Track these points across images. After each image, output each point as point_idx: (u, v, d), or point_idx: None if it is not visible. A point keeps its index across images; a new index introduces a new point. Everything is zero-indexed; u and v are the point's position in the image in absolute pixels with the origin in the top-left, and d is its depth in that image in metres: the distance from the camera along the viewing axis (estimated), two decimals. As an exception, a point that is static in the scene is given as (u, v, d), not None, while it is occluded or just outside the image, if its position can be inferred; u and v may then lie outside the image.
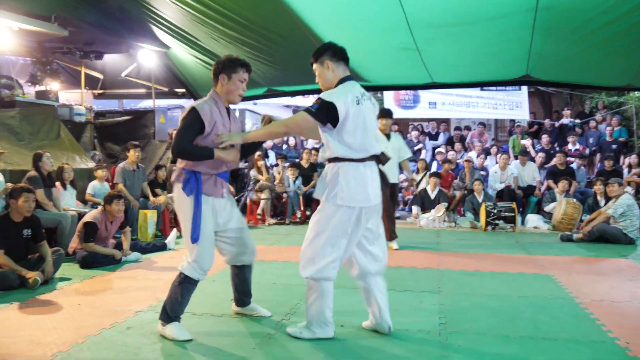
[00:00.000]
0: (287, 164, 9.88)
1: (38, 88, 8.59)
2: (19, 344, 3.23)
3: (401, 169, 7.09)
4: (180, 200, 3.42)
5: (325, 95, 3.16)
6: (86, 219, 5.70)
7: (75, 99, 9.57)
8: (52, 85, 8.75)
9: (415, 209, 9.34)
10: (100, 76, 10.19)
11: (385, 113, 6.69)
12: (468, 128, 13.44)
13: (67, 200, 6.55)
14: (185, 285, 3.40)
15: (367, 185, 3.23)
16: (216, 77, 3.45)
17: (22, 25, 6.69)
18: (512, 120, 14.04)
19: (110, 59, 9.58)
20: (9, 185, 5.56)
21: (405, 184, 10.83)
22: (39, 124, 7.48)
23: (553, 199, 9.08)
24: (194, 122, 3.29)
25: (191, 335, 3.37)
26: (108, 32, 7.87)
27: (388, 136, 6.69)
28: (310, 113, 3.13)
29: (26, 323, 3.68)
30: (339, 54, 3.31)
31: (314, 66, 3.36)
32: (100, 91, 10.56)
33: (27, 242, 4.88)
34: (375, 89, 11.32)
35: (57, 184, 6.44)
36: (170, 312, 3.40)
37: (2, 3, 6.47)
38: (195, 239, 3.35)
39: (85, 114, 8.68)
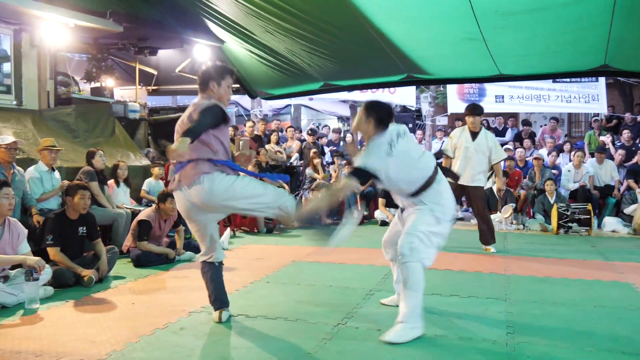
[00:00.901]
0: (343, 162, 9.69)
1: (93, 85, 8.76)
2: (75, 342, 3.29)
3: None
4: (222, 189, 3.36)
5: (358, 162, 3.58)
6: (140, 217, 5.73)
7: (130, 96, 9.71)
8: (107, 81, 8.91)
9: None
10: (155, 72, 10.32)
11: (472, 109, 6.39)
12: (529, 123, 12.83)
13: (120, 197, 6.63)
14: None
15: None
16: (205, 84, 3.57)
17: (78, 22, 6.79)
18: (588, 115, 13.34)
19: (164, 55, 9.68)
20: (65, 182, 5.67)
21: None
22: (94, 121, 7.61)
23: (634, 201, 8.61)
24: (219, 113, 3.39)
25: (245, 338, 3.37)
26: (162, 28, 7.92)
27: (475, 134, 6.37)
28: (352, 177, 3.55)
29: (81, 321, 3.74)
30: (385, 123, 3.60)
31: (362, 112, 3.66)
32: (154, 87, 10.69)
33: (82, 240, 4.95)
34: (437, 82, 11.02)
35: (111, 181, 6.52)
36: None
37: (59, 0, 6.59)
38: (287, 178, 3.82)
39: (140, 110, 8.78)
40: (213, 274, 3.73)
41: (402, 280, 3.48)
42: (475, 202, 6.54)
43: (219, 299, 3.72)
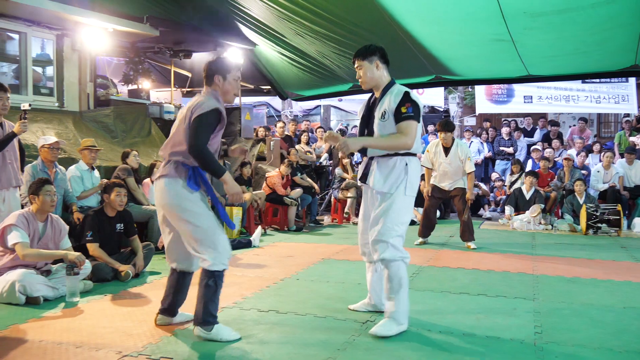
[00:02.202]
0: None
1: (131, 87, 8.97)
2: (113, 334, 3.36)
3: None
4: (180, 195, 3.24)
5: (412, 96, 3.40)
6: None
7: (165, 97, 9.93)
8: (144, 84, 9.11)
9: (508, 209, 8.90)
10: (189, 74, 10.51)
11: (443, 126, 6.57)
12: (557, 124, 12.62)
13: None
14: (219, 282, 3.30)
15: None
16: (210, 78, 3.37)
17: (117, 27, 7.01)
18: (618, 115, 13.08)
19: (198, 58, 9.84)
20: (104, 181, 5.83)
21: (498, 183, 10.37)
22: (132, 122, 7.81)
23: (664, 202, 8.38)
24: (214, 123, 3.23)
25: (275, 333, 3.37)
26: (196, 31, 8.09)
27: (447, 150, 6.52)
28: (414, 118, 3.36)
29: (119, 314, 3.82)
30: (386, 57, 3.54)
31: (360, 63, 3.51)
32: (188, 89, 10.89)
33: (119, 236, 5.06)
34: (466, 83, 10.94)
35: (147, 180, 6.66)
36: (213, 312, 3.29)
37: (98, 5, 6.82)
38: (233, 226, 3.53)
39: (174, 111, 8.96)
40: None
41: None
42: (456, 201, 6.77)
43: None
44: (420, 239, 6.87)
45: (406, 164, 3.45)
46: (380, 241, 3.41)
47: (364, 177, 3.61)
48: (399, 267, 3.40)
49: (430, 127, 13.51)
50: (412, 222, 8.80)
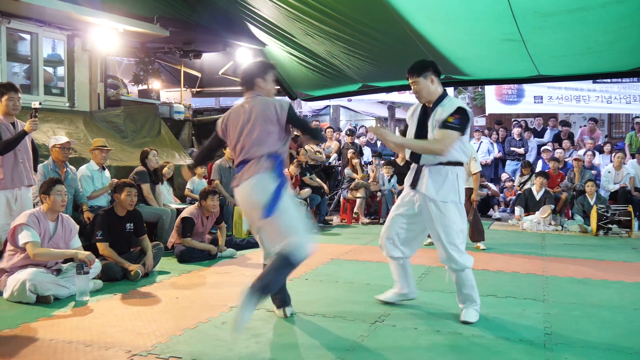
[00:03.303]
0: (382, 162, 9.69)
1: (141, 87, 9.01)
2: (122, 333, 3.38)
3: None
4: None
5: (463, 108, 3.54)
6: (184, 214, 5.88)
7: (175, 97, 9.98)
8: (154, 84, 9.15)
9: (518, 210, 8.85)
10: (199, 75, 10.55)
11: None
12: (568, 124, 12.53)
13: (164, 196, 6.79)
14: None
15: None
16: (251, 82, 3.58)
17: (127, 27, 7.05)
18: (629, 115, 12.97)
19: (208, 58, 9.89)
20: (115, 180, 5.85)
21: (508, 184, 10.31)
22: (142, 122, 7.85)
23: (675, 202, 8.30)
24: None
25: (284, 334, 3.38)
26: (206, 32, 8.11)
27: None
28: (457, 129, 3.51)
29: (128, 313, 3.84)
30: (438, 70, 3.70)
31: (415, 80, 3.64)
32: (198, 89, 10.94)
33: (129, 236, 5.09)
34: (476, 83, 10.89)
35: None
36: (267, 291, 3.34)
37: (108, 6, 6.85)
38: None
39: (184, 111, 9.01)
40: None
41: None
42: (465, 202, 6.62)
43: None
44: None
45: (457, 174, 3.64)
46: (450, 256, 3.60)
47: (414, 184, 3.73)
48: (468, 274, 3.66)
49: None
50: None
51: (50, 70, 7.31)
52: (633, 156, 9.73)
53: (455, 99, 3.68)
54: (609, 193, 9.07)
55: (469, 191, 6.58)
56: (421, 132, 3.70)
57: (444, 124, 3.51)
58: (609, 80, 11.56)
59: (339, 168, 10.54)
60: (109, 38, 7.28)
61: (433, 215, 3.62)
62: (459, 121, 3.49)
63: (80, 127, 6.94)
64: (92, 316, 3.77)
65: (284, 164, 3.49)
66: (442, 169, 3.62)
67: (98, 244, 4.81)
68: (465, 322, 3.61)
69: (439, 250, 3.66)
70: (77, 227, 4.65)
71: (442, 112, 3.57)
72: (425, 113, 3.73)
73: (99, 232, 4.83)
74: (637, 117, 12.38)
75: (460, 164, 3.65)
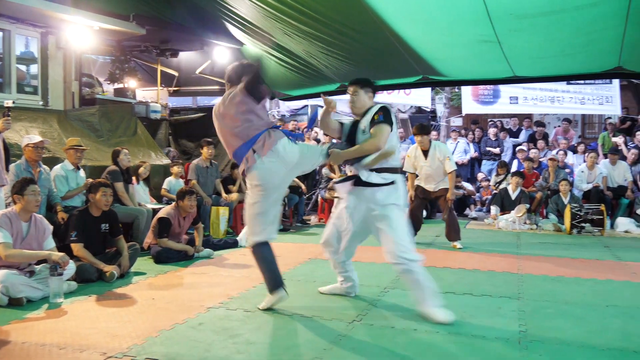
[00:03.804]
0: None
1: (116, 86, 8.88)
2: (97, 335, 3.34)
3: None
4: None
5: (384, 105, 3.89)
6: (160, 214, 5.83)
7: (152, 97, 9.85)
8: (130, 83, 9.02)
9: (493, 209, 8.96)
10: (176, 73, 10.44)
11: (419, 129, 6.67)
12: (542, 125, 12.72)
13: (140, 195, 6.73)
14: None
15: None
16: (238, 80, 3.89)
17: (103, 25, 6.94)
18: (602, 116, 13.21)
19: (185, 57, 9.80)
20: (90, 180, 5.76)
21: (484, 183, 10.43)
22: (117, 121, 7.74)
23: (647, 201, 8.47)
24: None
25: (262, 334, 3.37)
26: (183, 30, 8.03)
27: (426, 152, 6.59)
28: (386, 122, 3.80)
29: (103, 315, 3.80)
30: (375, 91, 4.10)
31: (357, 90, 3.96)
32: (175, 88, 10.82)
33: (104, 236, 5.03)
34: (452, 83, 10.98)
35: (132, 179, 6.63)
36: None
37: (83, 3, 6.75)
38: None
39: (161, 111, 8.90)
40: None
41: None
42: (441, 201, 6.83)
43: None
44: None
45: (396, 179, 3.89)
46: (399, 257, 3.72)
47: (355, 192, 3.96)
48: (420, 270, 3.75)
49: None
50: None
51: (23, 68, 7.17)
52: (606, 156, 9.90)
53: (377, 104, 3.96)
54: (582, 192, 9.22)
55: (445, 191, 6.67)
56: (352, 141, 4.00)
57: (373, 122, 3.82)
58: (582, 81, 11.76)
59: (317, 168, 10.53)
60: (84, 36, 7.17)
61: (378, 218, 3.82)
62: (384, 116, 3.80)
63: (54, 126, 6.83)
64: (66, 318, 3.73)
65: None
66: (380, 176, 3.86)
67: (72, 245, 4.75)
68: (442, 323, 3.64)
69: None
70: (51, 227, 4.59)
71: (366, 119, 3.89)
72: (355, 125, 4.02)
73: (73, 233, 4.76)
74: (610, 118, 12.63)
75: (397, 170, 3.93)
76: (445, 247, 6.70)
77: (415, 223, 6.80)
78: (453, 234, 6.67)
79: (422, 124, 6.97)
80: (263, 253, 3.86)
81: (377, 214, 3.82)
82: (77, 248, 4.74)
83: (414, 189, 6.86)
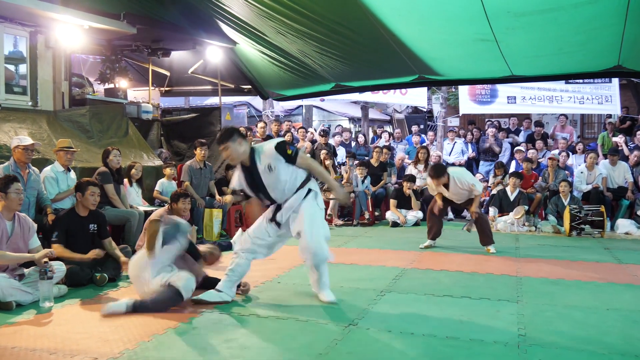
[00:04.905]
0: (355, 163, 9.63)
1: (107, 86, 8.79)
2: (88, 340, 3.32)
3: None
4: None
5: (280, 142, 4.03)
6: (152, 217, 5.71)
7: (143, 97, 9.76)
8: (121, 83, 8.92)
9: (492, 211, 8.88)
10: (167, 73, 10.37)
11: (433, 174, 6.45)
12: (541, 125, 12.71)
13: (132, 197, 6.64)
14: None
15: None
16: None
17: (93, 24, 6.84)
18: (601, 116, 13.18)
19: (177, 56, 9.72)
20: (80, 182, 5.69)
21: (482, 184, 10.36)
22: (108, 122, 7.63)
23: (647, 202, 8.42)
24: None
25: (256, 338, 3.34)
26: (175, 29, 7.95)
27: (447, 185, 6.48)
28: (298, 150, 4.12)
29: (94, 319, 3.78)
30: (243, 134, 4.11)
31: (226, 145, 3.96)
32: (167, 88, 10.74)
33: (93, 237, 4.95)
34: (449, 83, 10.94)
35: (125, 180, 6.54)
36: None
37: (73, 2, 6.66)
38: None
39: (153, 111, 8.81)
40: None
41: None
42: (469, 208, 6.67)
43: None
44: (426, 243, 6.80)
45: (309, 190, 4.13)
46: (310, 247, 4.02)
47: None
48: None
49: (414, 128, 13.51)
50: (395, 224, 8.79)
51: (11, 67, 7.06)
52: (605, 156, 9.84)
53: (262, 144, 4.13)
54: (582, 193, 9.16)
55: (471, 200, 6.54)
56: (259, 187, 4.08)
57: (290, 158, 3.97)
58: (581, 80, 11.73)
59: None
60: (74, 35, 7.07)
61: (298, 215, 4.06)
62: (292, 147, 4.04)
63: (43, 127, 6.73)
64: (57, 322, 3.72)
65: None
66: (295, 196, 4.09)
67: (53, 246, 4.64)
68: (332, 302, 4.09)
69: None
70: (35, 225, 4.53)
71: (264, 158, 3.98)
72: (249, 172, 4.06)
73: (55, 233, 4.71)
74: (609, 117, 12.59)
75: (307, 180, 4.13)
76: (443, 250, 6.64)
77: (437, 225, 6.74)
78: (485, 238, 6.56)
79: (435, 165, 6.87)
80: None
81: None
82: (58, 249, 4.61)
83: (440, 198, 6.74)
